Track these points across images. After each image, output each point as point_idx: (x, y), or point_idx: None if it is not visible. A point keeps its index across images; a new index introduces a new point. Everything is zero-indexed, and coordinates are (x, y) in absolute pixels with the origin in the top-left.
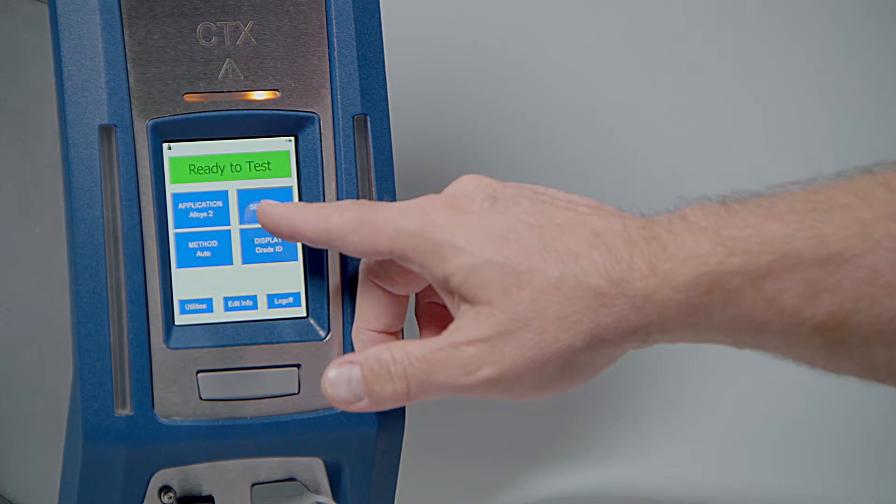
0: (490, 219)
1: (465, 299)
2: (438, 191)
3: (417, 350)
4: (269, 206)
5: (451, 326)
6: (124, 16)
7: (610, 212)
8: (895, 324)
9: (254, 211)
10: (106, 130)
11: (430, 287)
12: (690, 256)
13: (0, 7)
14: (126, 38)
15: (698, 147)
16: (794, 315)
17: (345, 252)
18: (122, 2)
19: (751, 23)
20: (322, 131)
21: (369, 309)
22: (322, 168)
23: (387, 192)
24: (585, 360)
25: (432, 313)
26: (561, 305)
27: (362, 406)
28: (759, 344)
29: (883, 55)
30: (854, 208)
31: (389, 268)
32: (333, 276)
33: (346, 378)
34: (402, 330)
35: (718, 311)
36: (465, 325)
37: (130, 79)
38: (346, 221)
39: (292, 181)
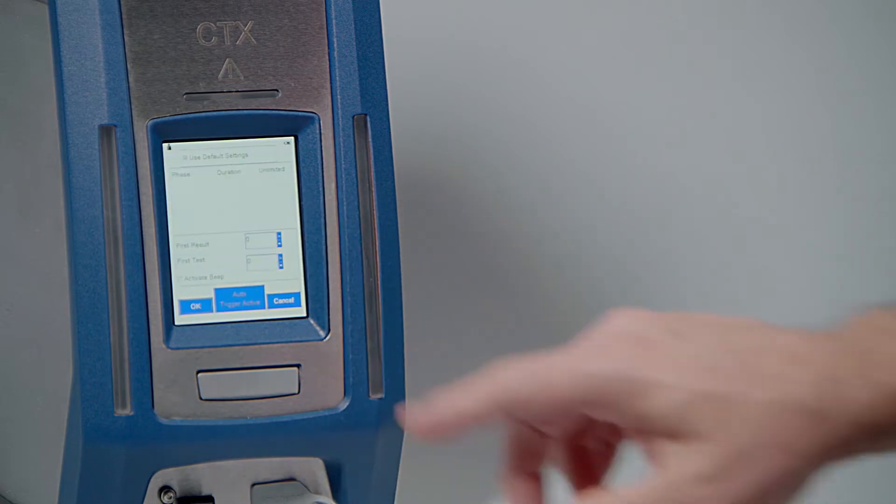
0: (681, 350)
1: (671, 437)
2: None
3: (636, 496)
4: (416, 416)
5: (662, 468)
6: (124, 16)
7: (783, 328)
8: None
9: None
10: (106, 130)
11: (581, 429)
12: None
13: (0, 7)
14: (126, 38)
15: (698, 147)
16: None
17: (519, 415)
18: (122, 2)
19: (751, 23)
20: (322, 131)
21: (520, 451)
22: (322, 168)
23: (387, 192)
24: (811, 477)
25: (581, 459)
26: (777, 431)
27: None
28: None
29: (883, 55)
30: None
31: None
32: (333, 276)
33: None
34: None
35: None
36: (681, 463)
37: (130, 79)
38: (514, 379)
39: (292, 181)
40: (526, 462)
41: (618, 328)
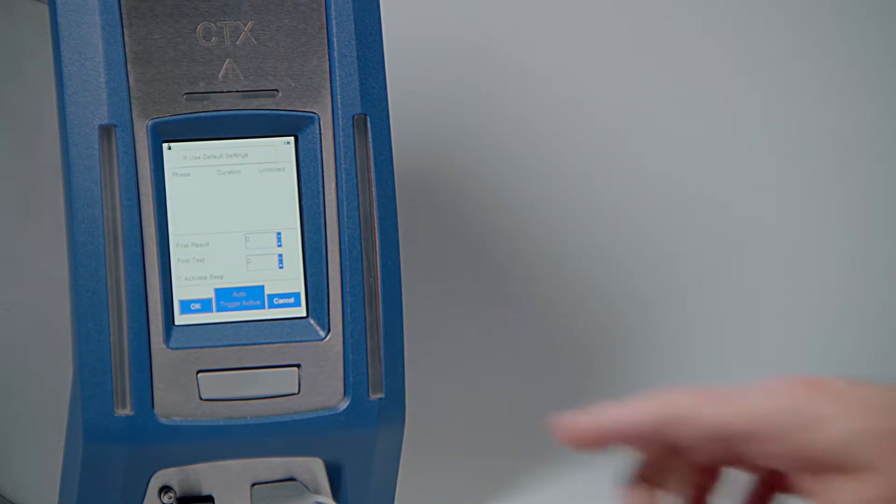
0: (852, 392)
1: (840, 470)
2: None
3: None
4: (576, 418)
5: (828, 498)
6: (124, 16)
7: None
8: None
9: None
10: (106, 130)
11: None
12: None
13: (0, 7)
14: (126, 38)
15: (698, 147)
16: None
17: (678, 438)
18: (122, 2)
19: (751, 22)
20: (322, 131)
21: (653, 464)
22: (322, 168)
23: (387, 192)
24: None
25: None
26: None
27: None
28: None
29: (883, 55)
30: None
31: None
32: (333, 276)
33: None
34: None
35: None
36: (849, 496)
37: (130, 79)
38: (684, 399)
39: (292, 181)
40: (653, 476)
41: (790, 377)
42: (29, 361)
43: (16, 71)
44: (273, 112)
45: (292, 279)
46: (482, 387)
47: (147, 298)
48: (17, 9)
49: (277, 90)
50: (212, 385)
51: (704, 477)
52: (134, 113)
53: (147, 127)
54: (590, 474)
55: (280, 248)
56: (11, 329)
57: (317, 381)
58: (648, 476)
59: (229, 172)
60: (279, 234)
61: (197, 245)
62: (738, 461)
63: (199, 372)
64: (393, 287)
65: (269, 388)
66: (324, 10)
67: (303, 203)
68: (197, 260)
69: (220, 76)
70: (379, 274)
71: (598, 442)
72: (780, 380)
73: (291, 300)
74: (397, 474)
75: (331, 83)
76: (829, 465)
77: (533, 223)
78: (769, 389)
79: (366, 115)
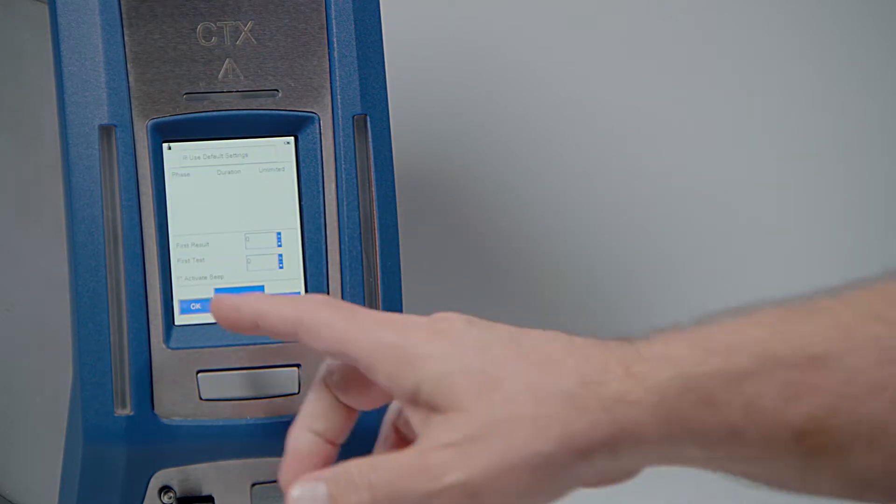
0: (465, 334)
1: (434, 409)
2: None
3: (384, 460)
4: (225, 297)
5: (421, 436)
6: (124, 16)
7: (583, 337)
8: (878, 427)
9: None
10: (106, 130)
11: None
12: (666, 358)
13: (0, 7)
14: (126, 38)
15: (698, 147)
16: (772, 419)
17: (311, 346)
18: (122, 2)
19: (751, 22)
20: (322, 131)
21: (317, 409)
22: (322, 168)
23: (387, 192)
24: (554, 472)
25: (396, 440)
26: (533, 409)
27: None
28: (735, 456)
29: (883, 55)
30: (835, 311)
31: (348, 376)
32: (333, 276)
33: (311, 495)
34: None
35: (693, 415)
36: (434, 432)
37: (130, 79)
38: (320, 316)
39: (292, 181)
40: (324, 425)
41: (432, 316)
42: (29, 361)
43: (16, 71)
44: (273, 112)
45: (292, 279)
46: None
47: (147, 298)
48: (17, 9)
49: (277, 90)
50: (212, 385)
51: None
52: (134, 113)
53: (147, 127)
54: None
55: (280, 248)
56: (11, 329)
57: None
58: (322, 422)
59: (229, 172)
60: (279, 234)
61: (197, 245)
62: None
63: (199, 372)
64: (393, 287)
65: (269, 388)
66: (324, 10)
67: (303, 203)
68: (197, 260)
69: (220, 76)
70: (379, 274)
71: (240, 326)
72: (416, 317)
73: None
74: None
75: (331, 83)
76: (427, 403)
77: (533, 223)
78: (395, 323)
79: (366, 115)
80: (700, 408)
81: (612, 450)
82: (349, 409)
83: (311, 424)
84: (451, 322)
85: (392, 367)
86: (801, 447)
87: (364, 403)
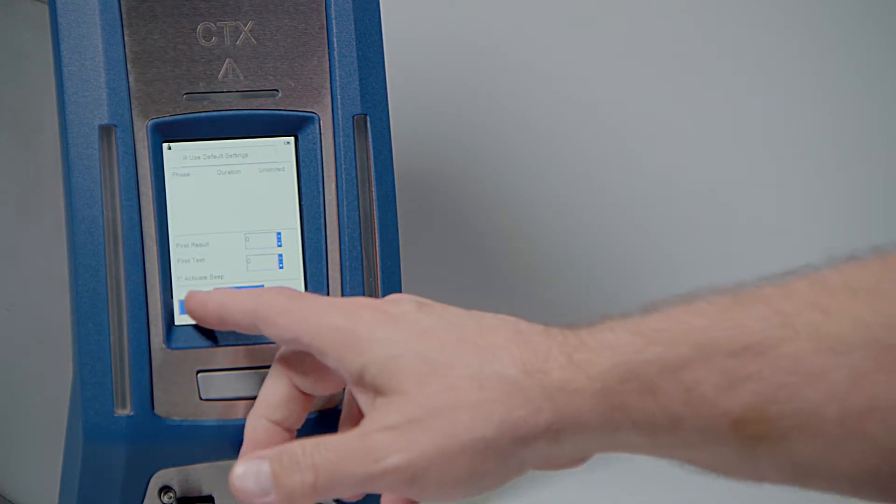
0: (413, 318)
1: (379, 392)
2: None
3: (328, 441)
4: (195, 293)
5: (366, 417)
6: (124, 16)
7: (533, 322)
8: (816, 415)
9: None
10: (106, 130)
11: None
12: (608, 346)
13: (0, 7)
14: (126, 38)
15: (698, 147)
16: (712, 407)
17: (268, 335)
18: (122, 2)
19: (751, 22)
20: (322, 131)
21: (274, 398)
22: (322, 168)
23: (387, 192)
24: (496, 458)
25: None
26: (475, 394)
27: (271, 500)
28: (677, 443)
29: (883, 55)
30: (775, 300)
31: (304, 362)
32: (333, 276)
33: (255, 472)
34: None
35: (634, 402)
36: (377, 415)
37: (130, 79)
38: (275, 305)
39: (292, 181)
40: (281, 413)
41: (380, 300)
42: (29, 361)
43: (16, 71)
44: (273, 112)
45: (292, 279)
46: None
47: (147, 298)
48: (17, 9)
49: (277, 90)
50: (212, 385)
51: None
52: (134, 113)
53: (147, 127)
54: (590, 474)
55: (280, 248)
56: (11, 329)
57: None
58: (286, 367)
59: (229, 172)
60: (279, 234)
61: (197, 245)
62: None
63: (199, 372)
64: (393, 287)
65: None
66: (324, 10)
67: (303, 203)
68: (197, 260)
69: (220, 76)
70: (379, 274)
71: (207, 320)
72: (369, 300)
73: None
74: None
75: (331, 83)
76: (372, 385)
77: (533, 223)
78: (345, 306)
79: (366, 115)
80: (640, 395)
81: (554, 437)
82: (305, 395)
83: (268, 413)
84: (401, 305)
85: (340, 349)
86: (741, 435)
87: (319, 388)
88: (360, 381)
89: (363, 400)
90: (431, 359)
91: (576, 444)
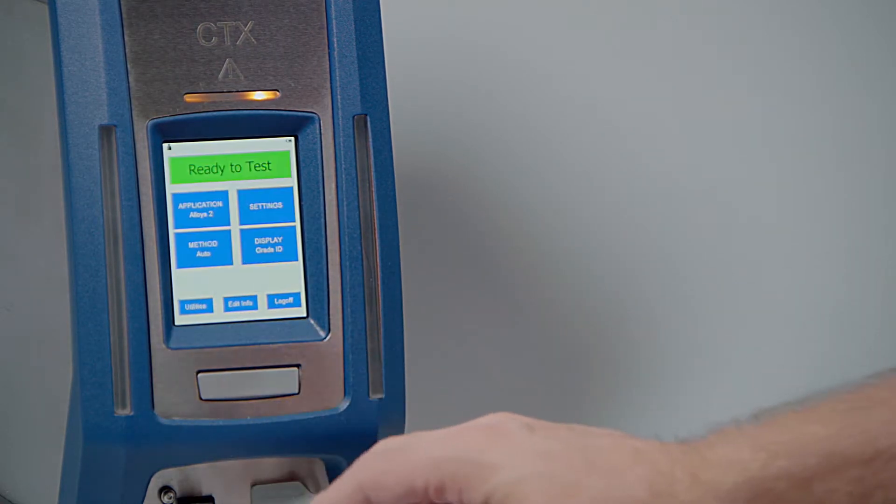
0: (531, 441)
1: None
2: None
3: None
4: None
5: None
6: (124, 16)
7: (640, 438)
8: None
9: None
10: (106, 130)
11: None
12: (732, 463)
13: (0, 7)
14: (126, 38)
15: (699, 147)
16: None
17: (385, 502)
18: (122, 2)
19: (751, 22)
20: (322, 131)
21: None
22: (322, 168)
23: (387, 192)
24: None
25: None
26: None
27: None
28: None
29: (883, 55)
30: (893, 401)
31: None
32: (333, 276)
33: None
34: None
35: None
36: None
37: (130, 79)
38: (375, 468)
39: (292, 181)
40: None
41: (485, 421)
42: (29, 361)
43: (16, 71)
44: (273, 112)
45: (292, 279)
46: (482, 387)
47: (147, 298)
48: (17, 9)
49: (277, 90)
50: (212, 385)
51: None
52: (134, 113)
53: (147, 127)
54: None
55: (280, 248)
56: (11, 329)
57: (317, 381)
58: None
59: (229, 172)
60: (279, 234)
61: (197, 245)
62: None
63: (199, 372)
64: (393, 287)
65: (269, 388)
66: (324, 10)
67: (303, 203)
68: (197, 260)
69: (220, 76)
70: (379, 274)
71: None
72: (469, 424)
73: (291, 300)
74: None
75: (331, 83)
76: None
77: (533, 223)
78: (454, 435)
79: (366, 115)
80: None
81: None
82: None
83: None
84: (508, 426)
85: (461, 481)
86: None
87: None
88: None
89: None
90: (560, 481)
91: None
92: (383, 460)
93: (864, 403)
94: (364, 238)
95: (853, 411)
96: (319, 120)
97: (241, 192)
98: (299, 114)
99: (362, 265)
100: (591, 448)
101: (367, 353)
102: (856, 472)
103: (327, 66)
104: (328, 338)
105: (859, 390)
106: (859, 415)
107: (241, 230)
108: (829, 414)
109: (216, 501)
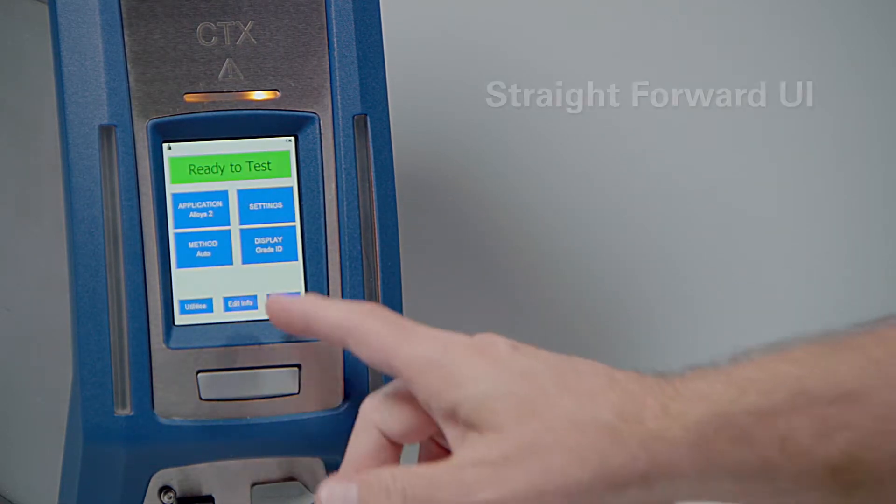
0: (511, 359)
1: (473, 427)
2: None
3: (418, 470)
4: (277, 297)
5: (456, 452)
6: (124, 16)
7: (624, 370)
8: None
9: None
10: (106, 130)
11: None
12: (702, 396)
13: (0, 7)
14: (126, 38)
15: (699, 147)
16: (808, 454)
17: (357, 354)
18: (122, 2)
19: (751, 22)
20: (322, 131)
21: (364, 450)
22: (322, 168)
23: (387, 192)
24: (587, 501)
25: (432, 452)
26: (572, 438)
27: None
28: (770, 491)
29: (883, 55)
30: (867, 347)
31: (393, 407)
32: (333, 276)
33: (342, 495)
34: None
35: (729, 451)
36: (470, 450)
37: (130, 79)
38: (368, 326)
39: (292, 181)
40: (372, 465)
41: (476, 337)
42: (29, 361)
43: (16, 71)
44: (273, 112)
45: (292, 279)
46: None
47: (147, 298)
48: (17, 9)
49: (277, 90)
50: (212, 385)
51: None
52: (134, 113)
53: (147, 127)
54: None
55: (280, 248)
56: (11, 329)
57: (317, 381)
58: (377, 419)
59: (229, 172)
60: (279, 233)
61: (197, 245)
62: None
63: (199, 372)
64: (393, 287)
65: (269, 388)
66: (324, 10)
67: (303, 203)
68: (197, 260)
69: (220, 76)
70: (379, 274)
71: (291, 326)
72: (463, 337)
73: None
74: None
75: (331, 83)
76: (466, 421)
77: (533, 223)
78: (439, 339)
79: (366, 115)
80: (736, 444)
81: (646, 484)
82: (393, 445)
83: (361, 465)
84: (496, 345)
85: (434, 383)
86: (837, 482)
87: (409, 435)
88: (452, 416)
89: (452, 434)
90: (529, 400)
91: (666, 491)
92: (377, 323)
93: (840, 348)
94: (364, 238)
95: (826, 353)
96: (319, 120)
97: (240, 192)
98: (299, 114)
99: (362, 265)
100: (569, 371)
101: None
102: (820, 411)
103: (327, 66)
104: None
105: (836, 335)
106: (832, 356)
107: (241, 230)
108: (803, 355)
109: (216, 501)
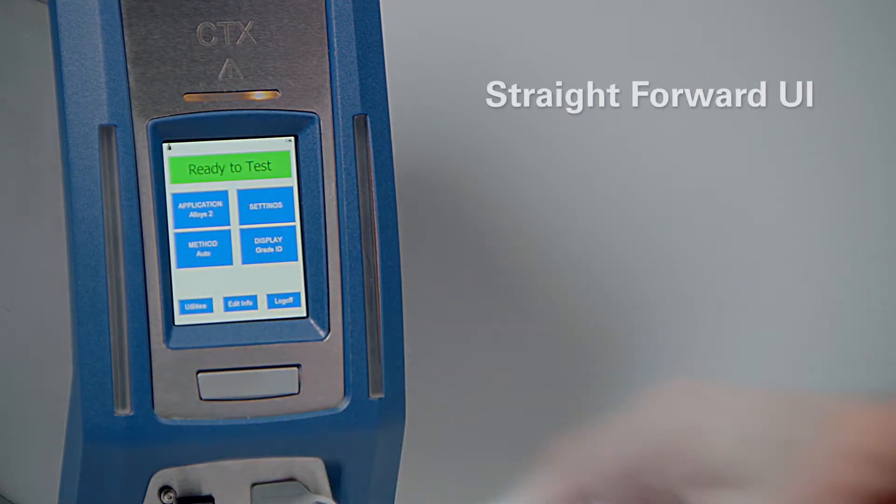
0: (738, 398)
1: (726, 483)
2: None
3: None
4: None
5: None
6: (124, 16)
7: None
8: None
9: None
10: (106, 130)
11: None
12: None
13: (0, 7)
14: (126, 38)
15: (699, 147)
16: None
17: (594, 494)
18: (122, 2)
19: (751, 22)
20: (322, 131)
21: None
22: (322, 168)
23: (387, 192)
24: None
25: None
26: (835, 475)
27: None
28: None
29: (883, 55)
30: None
31: None
32: (333, 276)
33: None
34: None
35: None
36: None
37: (130, 79)
38: (584, 469)
39: (292, 181)
40: None
41: (673, 384)
42: (29, 361)
43: (16, 71)
44: (273, 112)
45: (292, 279)
46: (482, 387)
47: (147, 298)
48: (17, 9)
49: (277, 90)
50: (212, 385)
51: None
52: (134, 113)
53: (147, 127)
54: None
55: (280, 248)
56: (11, 329)
57: (317, 381)
58: None
59: (229, 172)
60: (279, 233)
61: (197, 245)
62: (638, 496)
63: (199, 372)
64: (393, 287)
65: (269, 388)
66: (324, 10)
67: (303, 203)
68: (197, 260)
69: (220, 76)
70: (379, 274)
71: None
72: (662, 389)
73: (291, 300)
74: (397, 474)
75: (331, 83)
76: (716, 478)
77: (533, 223)
78: (654, 403)
79: (366, 115)
80: None
81: None
82: None
83: None
84: (706, 384)
85: (676, 450)
86: None
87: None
88: (700, 479)
89: (699, 500)
90: (780, 441)
91: None
92: (590, 460)
93: None
94: (364, 238)
95: None
96: (319, 120)
97: (240, 192)
98: (299, 114)
99: (362, 265)
100: (803, 400)
101: (366, 352)
102: None
103: (327, 66)
104: (328, 337)
105: None
106: None
107: (241, 230)
108: None
109: (216, 501)
